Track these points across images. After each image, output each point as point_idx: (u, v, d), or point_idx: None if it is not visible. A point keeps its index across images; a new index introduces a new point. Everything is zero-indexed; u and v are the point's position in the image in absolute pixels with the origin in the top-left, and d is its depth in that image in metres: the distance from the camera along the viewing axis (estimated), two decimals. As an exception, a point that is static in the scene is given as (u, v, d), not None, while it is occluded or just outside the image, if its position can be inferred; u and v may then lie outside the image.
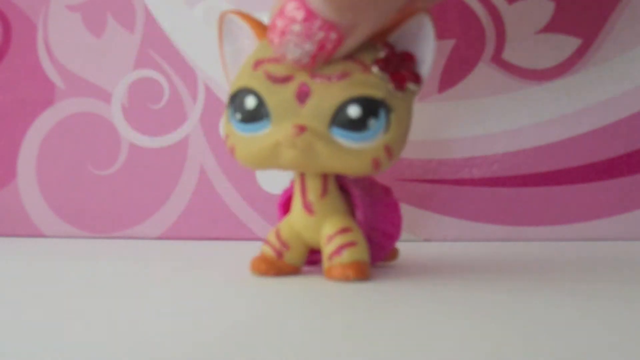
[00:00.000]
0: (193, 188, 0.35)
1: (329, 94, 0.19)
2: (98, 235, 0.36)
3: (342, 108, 0.19)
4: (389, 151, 0.19)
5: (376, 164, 0.19)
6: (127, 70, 0.35)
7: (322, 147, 0.19)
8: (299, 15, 0.18)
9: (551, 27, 0.32)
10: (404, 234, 0.23)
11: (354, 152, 0.19)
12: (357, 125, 0.19)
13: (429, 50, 0.20)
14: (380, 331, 0.14)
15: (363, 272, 0.20)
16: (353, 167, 0.19)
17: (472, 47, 0.32)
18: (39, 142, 0.36)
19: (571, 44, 0.32)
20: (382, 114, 0.19)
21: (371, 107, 0.19)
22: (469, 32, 0.32)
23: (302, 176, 0.21)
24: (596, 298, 0.18)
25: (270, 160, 0.20)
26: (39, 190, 0.36)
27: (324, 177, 0.21)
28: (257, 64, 0.20)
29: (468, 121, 0.32)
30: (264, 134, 0.20)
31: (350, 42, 0.19)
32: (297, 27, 0.18)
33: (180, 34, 0.35)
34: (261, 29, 0.21)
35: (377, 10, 0.19)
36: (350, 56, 0.19)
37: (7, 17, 0.36)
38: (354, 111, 0.19)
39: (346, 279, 0.20)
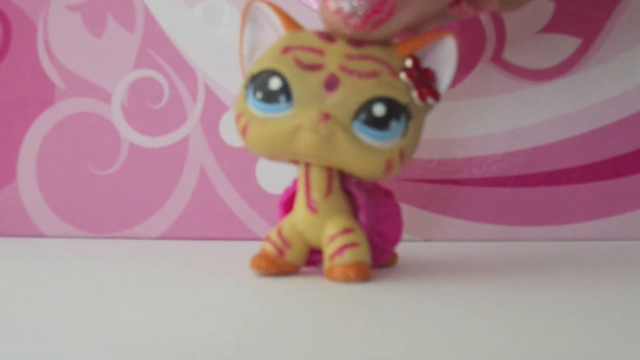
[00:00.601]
0: (193, 188, 0.35)
1: (357, 88, 0.19)
2: (98, 235, 0.36)
3: (368, 105, 0.19)
4: (402, 156, 0.20)
5: (389, 166, 0.20)
6: (127, 70, 0.35)
7: (343, 138, 0.19)
8: None
9: (551, 27, 0.32)
10: (404, 234, 0.23)
11: (371, 151, 0.19)
12: (379, 124, 0.19)
13: (449, 71, 0.21)
14: (381, 331, 0.14)
15: (364, 273, 0.20)
16: (367, 166, 0.20)
17: (472, 47, 0.32)
18: (39, 142, 0.36)
19: (571, 44, 0.32)
20: (403, 118, 0.20)
21: (395, 109, 0.19)
22: (469, 32, 0.32)
23: (307, 174, 0.21)
24: (596, 298, 0.18)
25: (285, 144, 0.20)
26: (39, 190, 0.36)
27: (329, 176, 0.21)
28: (286, 49, 0.20)
29: (468, 121, 0.32)
30: (283, 116, 0.20)
31: (398, 19, 0.19)
32: None
33: (180, 34, 0.35)
34: (289, 21, 0.21)
35: None
36: (380, 58, 0.20)
37: (7, 17, 0.36)
38: (379, 109, 0.19)
39: (347, 279, 0.20)
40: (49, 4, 0.36)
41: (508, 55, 0.32)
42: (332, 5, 0.19)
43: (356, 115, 0.19)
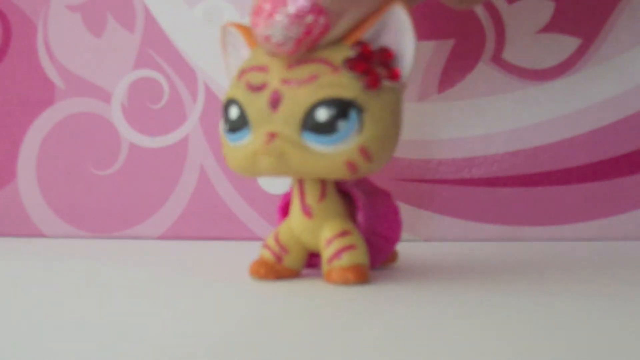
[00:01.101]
0: (193, 188, 0.35)
1: (297, 98, 0.19)
2: (98, 235, 0.36)
3: (310, 111, 0.19)
4: (365, 152, 0.19)
5: (351, 166, 0.19)
6: (127, 70, 0.35)
7: (293, 153, 0.19)
8: None
9: (551, 27, 0.32)
10: (404, 234, 0.23)
11: (326, 156, 0.19)
12: (325, 128, 0.18)
13: (407, 43, 0.19)
14: (381, 334, 0.14)
15: (363, 275, 0.20)
16: (327, 171, 0.19)
17: (472, 47, 0.32)
18: (39, 142, 0.36)
19: (571, 44, 0.32)
20: (352, 114, 0.18)
21: (340, 108, 0.18)
22: (469, 32, 0.32)
23: (301, 180, 0.21)
24: (596, 298, 0.18)
25: (252, 168, 0.20)
26: (39, 190, 0.36)
27: (323, 180, 0.21)
28: (241, 73, 0.20)
29: (468, 121, 0.32)
30: (245, 143, 0.20)
31: (336, 31, 0.19)
32: (286, 10, 0.18)
33: (180, 34, 0.35)
34: (252, 38, 0.20)
35: None
36: (319, 58, 0.19)
37: (7, 17, 0.36)
38: (321, 114, 0.18)
39: (346, 282, 0.20)
40: (49, 4, 0.36)
41: (508, 55, 0.32)
42: (261, 33, 0.18)
43: (303, 125, 0.19)
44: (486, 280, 0.21)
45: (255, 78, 0.20)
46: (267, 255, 0.21)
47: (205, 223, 0.35)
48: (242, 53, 0.21)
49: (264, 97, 0.19)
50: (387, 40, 0.19)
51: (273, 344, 0.13)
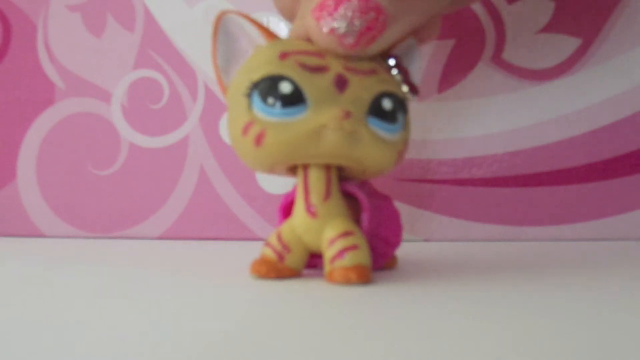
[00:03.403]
0: (193, 188, 0.35)
1: (365, 85, 0.20)
2: (98, 235, 0.36)
3: (377, 100, 0.20)
4: (406, 148, 0.21)
5: (400, 157, 0.21)
6: (127, 70, 0.35)
7: (365, 133, 0.20)
8: None
9: (551, 27, 0.32)
10: (404, 234, 0.23)
11: (386, 143, 0.20)
12: (390, 117, 0.20)
13: (417, 67, 0.22)
14: (383, 334, 0.14)
15: (365, 275, 0.20)
16: (383, 158, 0.20)
17: (472, 47, 0.32)
18: (39, 142, 0.36)
19: (571, 44, 0.32)
20: (402, 112, 0.21)
21: (398, 103, 0.20)
22: (469, 32, 0.32)
23: (306, 179, 0.21)
24: (596, 298, 0.18)
25: (308, 145, 0.19)
26: (39, 190, 0.36)
27: (328, 180, 0.21)
28: (284, 55, 0.20)
29: (468, 121, 0.32)
30: (302, 119, 0.19)
31: (390, 34, 0.20)
32: (352, 4, 0.19)
33: (180, 33, 0.35)
34: (269, 31, 0.21)
35: (417, 8, 0.20)
36: (372, 58, 0.21)
37: (7, 17, 0.36)
38: (387, 103, 0.20)
39: (348, 282, 0.20)
40: (49, 4, 0.36)
41: (508, 55, 0.32)
42: (326, 26, 0.19)
43: (369, 111, 0.20)
44: (486, 280, 0.21)
45: (311, 60, 0.20)
46: (269, 253, 0.21)
47: (205, 223, 0.35)
48: (241, 43, 0.21)
49: (327, 78, 0.20)
50: (404, 61, 0.22)
51: (274, 344, 0.13)
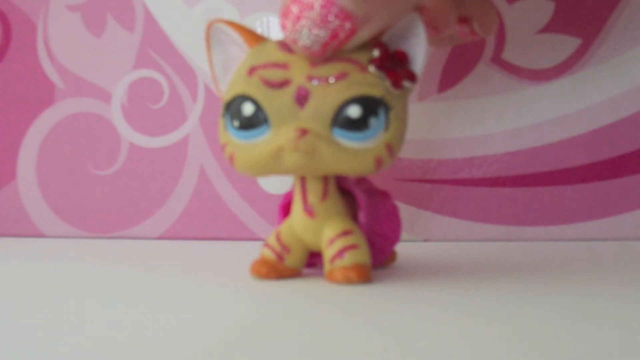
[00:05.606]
0: (193, 188, 0.35)
1: (328, 95, 0.19)
2: (98, 235, 0.36)
3: (342, 109, 0.19)
4: (390, 149, 0.19)
5: (379, 162, 0.19)
6: (127, 70, 0.35)
7: (325, 148, 0.19)
8: (317, 1, 0.18)
9: (551, 27, 0.32)
10: (404, 234, 0.23)
11: (357, 152, 0.19)
12: (358, 125, 0.19)
13: (420, 48, 0.20)
14: (383, 334, 0.14)
15: (365, 274, 0.20)
16: (356, 166, 0.19)
17: (472, 47, 0.32)
18: (39, 142, 0.36)
19: (571, 44, 0.32)
20: (381, 112, 0.19)
21: (371, 106, 0.19)
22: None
23: (303, 179, 0.21)
24: (596, 298, 0.18)
25: (271, 165, 0.19)
26: (39, 190, 0.36)
27: (325, 180, 0.21)
28: (252, 70, 0.20)
29: (468, 121, 0.32)
30: (263, 140, 0.19)
31: (362, 35, 0.19)
32: (312, 13, 0.18)
33: (180, 34, 0.35)
34: (251, 36, 0.21)
35: (392, 5, 0.19)
36: (346, 57, 0.19)
37: (7, 17, 0.36)
38: (354, 111, 0.19)
39: (348, 281, 0.20)
40: (49, 4, 0.36)
41: (508, 55, 0.32)
42: (290, 36, 0.19)
43: (333, 122, 0.19)
44: (486, 280, 0.21)
45: (274, 74, 0.19)
46: (269, 254, 0.21)
47: (205, 223, 0.35)
48: (231, 51, 0.21)
49: (287, 94, 0.19)
50: (402, 44, 0.20)
51: (274, 344, 0.13)
